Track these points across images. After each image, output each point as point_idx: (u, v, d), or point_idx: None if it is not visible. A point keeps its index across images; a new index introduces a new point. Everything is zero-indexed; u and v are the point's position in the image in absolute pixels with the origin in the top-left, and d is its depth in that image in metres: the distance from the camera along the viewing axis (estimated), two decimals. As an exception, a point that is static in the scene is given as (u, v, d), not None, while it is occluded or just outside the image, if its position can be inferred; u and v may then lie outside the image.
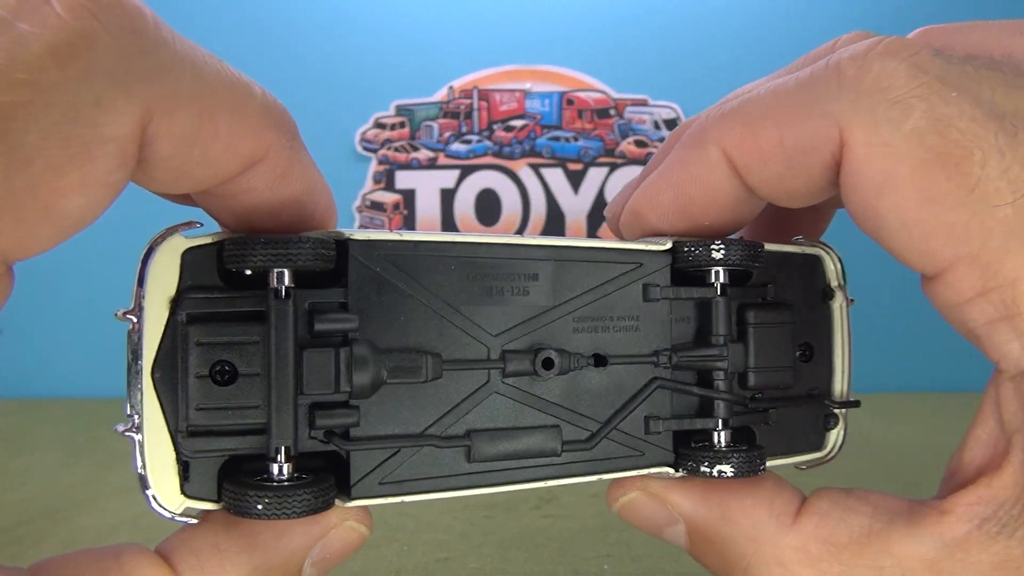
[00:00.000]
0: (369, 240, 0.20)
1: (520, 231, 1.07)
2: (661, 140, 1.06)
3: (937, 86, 0.19)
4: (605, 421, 0.23)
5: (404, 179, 1.08)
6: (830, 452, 0.25)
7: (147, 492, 0.19)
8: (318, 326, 0.19)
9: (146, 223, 0.23)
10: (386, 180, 1.08)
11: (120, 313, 0.18)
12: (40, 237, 0.15)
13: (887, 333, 1.00)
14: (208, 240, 0.19)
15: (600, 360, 0.23)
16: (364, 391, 0.19)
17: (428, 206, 1.08)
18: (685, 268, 0.23)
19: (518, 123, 1.08)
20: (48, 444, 0.68)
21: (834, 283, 0.25)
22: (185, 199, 0.20)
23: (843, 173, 0.19)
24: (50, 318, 1.04)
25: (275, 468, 0.19)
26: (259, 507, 0.18)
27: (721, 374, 0.23)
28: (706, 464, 0.23)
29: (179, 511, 0.19)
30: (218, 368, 0.19)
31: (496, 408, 0.21)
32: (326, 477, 0.19)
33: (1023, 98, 0.20)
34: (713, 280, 0.23)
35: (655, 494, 0.23)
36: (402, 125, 1.08)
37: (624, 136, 1.07)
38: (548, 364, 0.21)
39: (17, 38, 0.14)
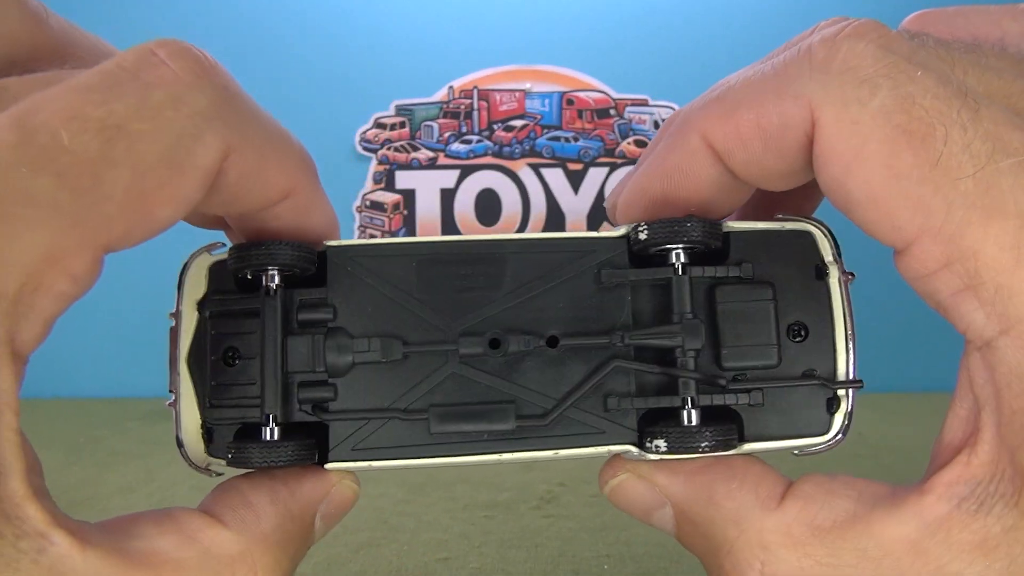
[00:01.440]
0: (342, 245, 0.24)
1: (520, 231, 1.07)
2: (661, 140, 1.07)
3: (904, 65, 0.19)
4: (560, 399, 0.23)
5: (404, 179, 1.08)
6: (835, 436, 0.24)
7: (182, 450, 0.24)
8: (300, 316, 0.24)
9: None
10: (386, 180, 1.08)
11: (169, 314, 0.24)
12: (134, 236, 0.18)
13: (886, 333, 1.00)
14: (227, 256, 0.24)
15: (552, 341, 0.24)
16: (338, 370, 0.23)
17: (428, 206, 1.08)
18: (641, 251, 0.24)
19: (518, 123, 1.08)
20: (48, 444, 0.68)
21: (828, 258, 0.24)
22: (217, 223, 0.24)
23: (815, 150, 0.20)
24: (50, 318, 1.04)
25: (266, 431, 0.23)
26: (253, 459, 0.22)
27: (681, 351, 0.23)
28: (649, 439, 0.23)
29: (204, 466, 0.24)
30: (228, 353, 0.24)
31: (456, 387, 0.24)
32: (306, 438, 0.23)
33: (994, 79, 0.21)
34: (672, 260, 0.24)
35: (643, 475, 0.24)
36: (402, 125, 1.08)
37: (624, 136, 1.07)
38: (495, 344, 0.23)
39: (144, 86, 0.18)
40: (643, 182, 0.24)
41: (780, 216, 0.25)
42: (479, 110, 1.08)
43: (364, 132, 1.08)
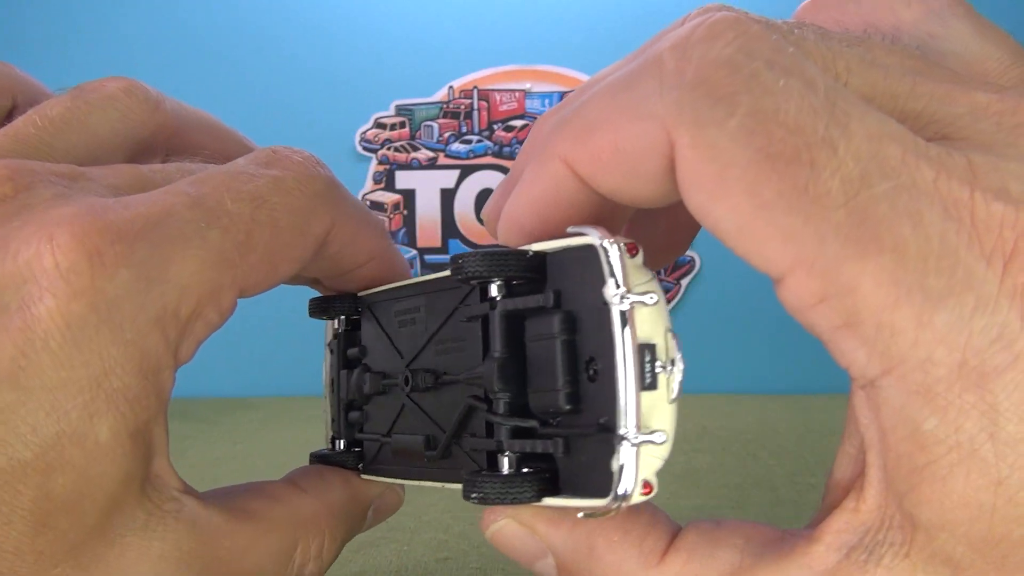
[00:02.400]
0: (361, 295, 0.29)
1: (520, 231, 1.07)
2: (661, 140, 1.07)
3: (765, 75, 0.17)
4: (447, 434, 0.24)
5: (404, 179, 1.08)
6: (612, 502, 0.18)
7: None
8: (348, 353, 0.29)
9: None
10: (386, 180, 1.08)
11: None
12: (262, 285, 0.23)
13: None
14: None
15: (437, 379, 0.25)
16: (364, 400, 0.28)
17: (428, 206, 1.08)
18: (473, 288, 0.23)
19: (518, 123, 1.08)
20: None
21: (608, 279, 0.19)
22: (313, 283, 0.30)
23: (677, 175, 0.18)
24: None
25: (337, 444, 0.29)
26: (331, 459, 0.29)
27: (494, 396, 0.21)
28: (469, 487, 0.21)
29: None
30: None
31: (407, 418, 0.26)
32: (356, 454, 0.29)
33: (880, 78, 0.19)
34: (492, 293, 0.22)
35: (524, 523, 0.22)
36: (402, 125, 1.08)
37: (624, 136, 1.08)
38: (406, 381, 0.26)
39: (278, 172, 0.24)
40: (515, 214, 0.22)
41: (570, 229, 0.20)
42: (479, 110, 1.08)
43: (364, 132, 1.08)
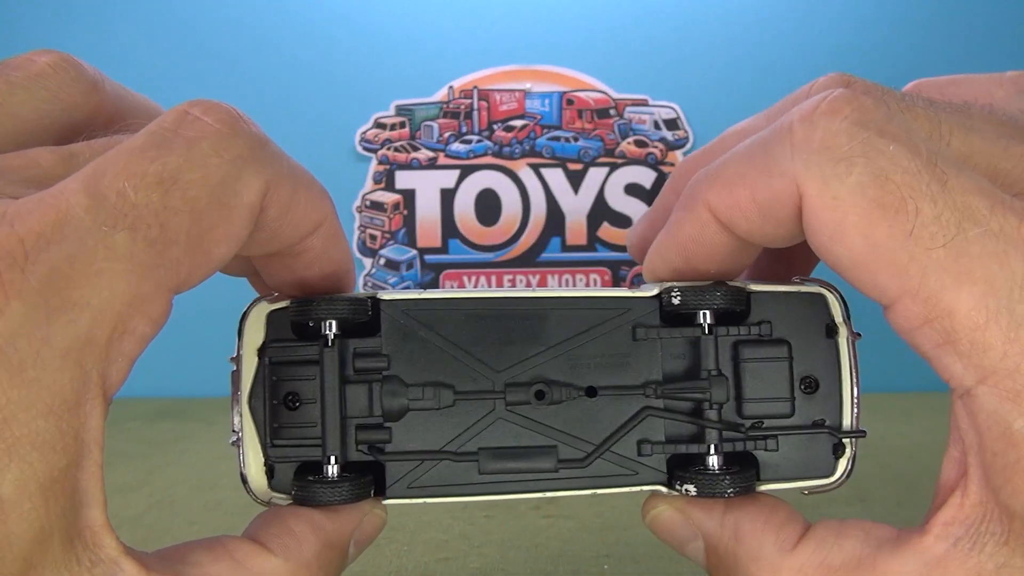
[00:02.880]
0: (395, 299, 0.26)
1: (520, 231, 1.07)
2: (661, 140, 1.06)
3: (876, 141, 0.21)
4: (599, 443, 0.26)
5: (404, 179, 1.08)
6: (838, 479, 0.26)
7: (247, 485, 0.26)
8: (357, 364, 0.26)
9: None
10: (386, 180, 1.08)
11: (229, 359, 0.26)
12: (197, 275, 0.20)
13: (886, 333, 1.00)
14: (284, 304, 0.26)
15: (591, 391, 0.26)
16: (392, 415, 0.26)
17: (428, 206, 1.08)
18: (673, 311, 0.26)
19: (518, 123, 1.08)
20: (48, 444, 0.68)
21: (838, 319, 0.27)
22: (243, 271, 0.27)
23: (804, 220, 0.22)
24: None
25: (328, 469, 0.25)
26: (318, 496, 0.24)
27: (708, 404, 0.26)
28: (679, 483, 0.26)
29: (267, 500, 0.26)
30: (288, 397, 0.26)
31: (502, 432, 0.26)
32: (363, 476, 0.25)
33: (978, 140, 0.23)
34: (700, 320, 0.26)
35: (680, 509, 0.26)
36: (402, 125, 1.08)
37: (624, 136, 1.08)
38: (540, 395, 0.26)
39: (189, 140, 0.20)
40: (661, 252, 0.27)
41: (797, 279, 0.27)
42: (479, 110, 1.08)
43: (364, 132, 1.08)
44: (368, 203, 1.07)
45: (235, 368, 0.26)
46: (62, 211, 0.18)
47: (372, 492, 0.26)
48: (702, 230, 0.25)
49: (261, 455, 0.26)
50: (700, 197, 0.25)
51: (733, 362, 0.27)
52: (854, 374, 0.27)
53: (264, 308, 0.26)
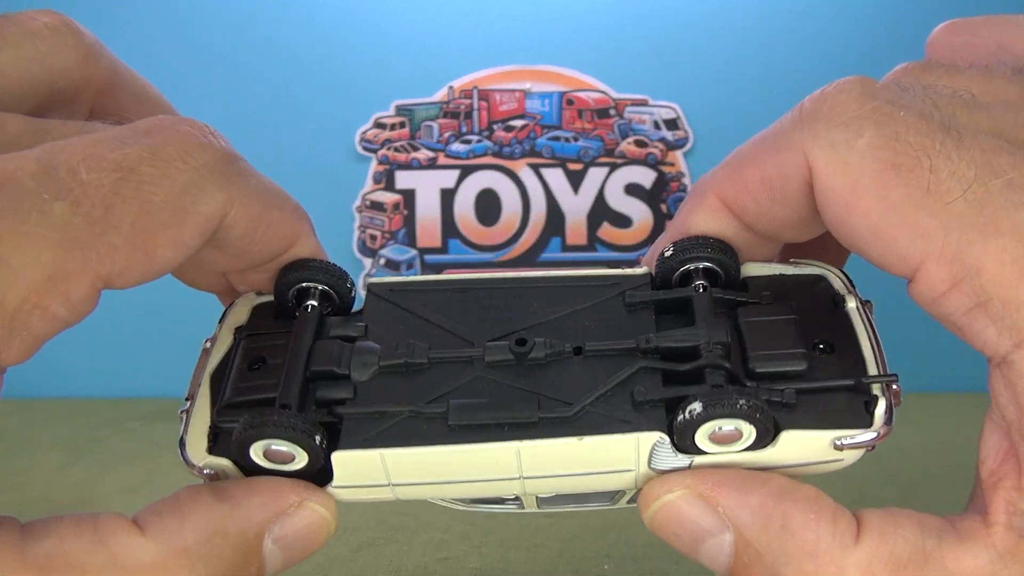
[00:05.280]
0: (383, 281, 0.26)
1: (520, 231, 1.07)
2: (662, 140, 1.06)
3: (886, 108, 0.21)
4: (588, 394, 0.23)
5: (404, 179, 1.08)
6: (875, 434, 0.23)
7: (182, 449, 0.24)
8: (333, 331, 0.25)
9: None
10: (386, 180, 1.08)
11: (206, 340, 0.25)
12: (133, 273, 0.20)
13: (888, 334, 1.00)
14: (270, 299, 0.26)
15: (579, 350, 0.24)
16: (360, 373, 0.24)
17: (428, 206, 1.08)
18: (664, 281, 0.25)
19: (518, 123, 1.08)
20: (48, 444, 0.68)
21: (843, 291, 0.25)
22: (213, 285, 0.26)
23: (816, 195, 0.22)
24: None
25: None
26: (267, 431, 0.22)
27: (707, 345, 0.23)
28: (681, 409, 0.22)
29: (201, 464, 0.24)
30: (255, 364, 0.25)
31: (478, 389, 0.23)
32: (314, 428, 0.23)
33: (984, 118, 0.22)
34: (694, 280, 0.25)
35: (705, 494, 0.22)
36: (402, 125, 1.08)
37: (624, 136, 1.08)
38: (522, 343, 0.24)
39: (157, 140, 0.20)
40: (667, 243, 0.26)
41: (793, 260, 0.26)
42: (479, 110, 1.08)
43: (364, 132, 1.07)
44: (368, 203, 1.07)
45: (207, 346, 0.25)
46: (7, 172, 0.18)
47: (322, 456, 0.22)
48: (710, 218, 0.24)
49: (208, 420, 0.24)
50: (709, 185, 0.24)
51: (732, 324, 0.24)
52: (873, 332, 0.24)
53: (251, 299, 0.27)
